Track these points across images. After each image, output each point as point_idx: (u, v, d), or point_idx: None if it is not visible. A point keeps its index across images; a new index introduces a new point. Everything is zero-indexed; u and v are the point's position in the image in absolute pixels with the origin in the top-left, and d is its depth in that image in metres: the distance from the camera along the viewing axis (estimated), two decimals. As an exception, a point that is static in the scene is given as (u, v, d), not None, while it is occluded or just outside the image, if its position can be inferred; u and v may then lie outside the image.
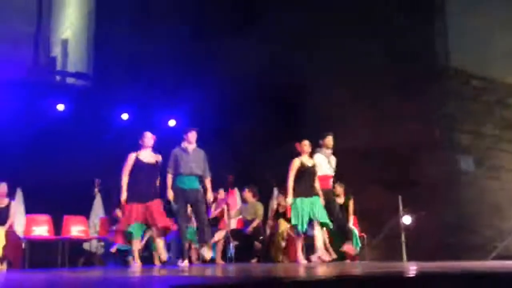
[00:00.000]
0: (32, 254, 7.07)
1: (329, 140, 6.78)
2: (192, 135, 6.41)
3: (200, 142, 7.88)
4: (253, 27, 9.35)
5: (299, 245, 6.51)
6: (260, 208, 8.31)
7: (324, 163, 6.73)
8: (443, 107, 8.09)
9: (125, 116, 9.42)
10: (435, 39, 8.25)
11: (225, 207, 8.27)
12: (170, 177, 6.28)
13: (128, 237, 6.02)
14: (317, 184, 6.57)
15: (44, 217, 7.62)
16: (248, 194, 8.32)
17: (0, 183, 6.94)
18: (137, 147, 6.21)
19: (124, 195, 5.97)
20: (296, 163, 6.48)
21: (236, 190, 8.87)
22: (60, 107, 8.89)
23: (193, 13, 10.06)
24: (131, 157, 6.06)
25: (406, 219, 7.18)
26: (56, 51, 13.01)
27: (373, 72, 8.10)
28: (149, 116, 9.65)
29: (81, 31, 11.92)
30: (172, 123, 9.89)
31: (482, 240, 7.39)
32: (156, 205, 6.03)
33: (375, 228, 7.13)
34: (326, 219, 6.42)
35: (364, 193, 6.95)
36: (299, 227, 6.37)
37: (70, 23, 12.57)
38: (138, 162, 6.04)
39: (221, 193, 8.16)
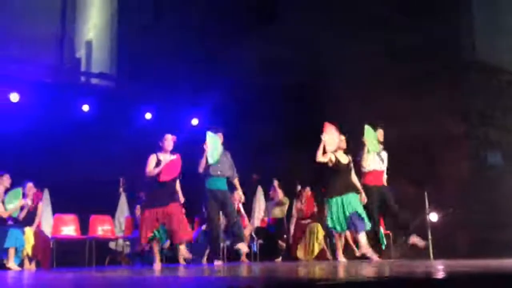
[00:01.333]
0: (60, 253, 7.17)
1: (380, 133, 6.55)
2: (219, 138, 6.43)
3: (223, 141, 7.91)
4: (273, 26, 9.33)
5: (338, 244, 6.39)
6: (283, 203, 8.28)
7: (374, 158, 6.52)
8: (471, 101, 7.93)
9: (148, 116, 9.50)
10: (463, 33, 8.08)
11: (256, 205, 8.32)
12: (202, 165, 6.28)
13: (150, 240, 5.98)
14: (355, 181, 6.38)
15: (71, 217, 7.73)
16: (276, 189, 8.34)
17: (27, 183, 7.03)
18: (158, 148, 6.22)
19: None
20: (331, 158, 6.20)
21: (260, 189, 8.86)
22: (85, 107, 9.00)
23: (214, 13, 10.08)
24: (153, 158, 6.05)
25: (433, 216, 7.05)
26: (81, 53, 13.19)
27: (399, 66, 7.98)
28: (172, 115, 9.72)
29: (104, 32, 12.06)
30: (195, 122, 9.94)
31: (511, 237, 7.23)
32: (177, 211, 5.85)
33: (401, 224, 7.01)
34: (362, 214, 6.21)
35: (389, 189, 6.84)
36: (338, 229, 6.25)
37: (94, 24, 12.74)
38: (158, 164, 5.97)
39: (237, 194, 8.18)
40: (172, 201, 5.87)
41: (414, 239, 6.47)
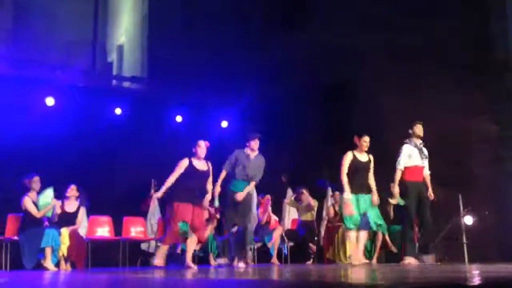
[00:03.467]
0: (94, 254, 7.30)
1: (419, 128, 6.47)
2: (255, 143, 6.48)
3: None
4: (303, 26, 9.29)
5: (354, 244, 6.34)
6: (313, 205, 8.26)
7: (414, 154, 6.44)
8: (504, 102, 7.76)
9: (179, 118, 9.59)
10: (498, 31, 7.93)
11: (287, 208, 8.32)
12: (224, 174, 6.36)
13: (181, 235, 6.09)
14: (371, 182, 6.39)
15: (105, 218, 7.86)
16: (303, 194, 8.34)
17: (70, 185, 7.15)
18: (191, 152, 6.30)
19: (160, 193, 6.08)
20: (348, 157, 6.28)
21: (289, 190, 8.86)
22: (118, 110, 9.14)
23: (243, 14, 10.12)
24: (184, 162, 6.14)
25: (468, 219, 6.92)
26: (112, 57, 13.41)
27: (432, 67, 7.86)
28: (203, 118, 9.80)
29: (135, 36, 12.25)
30: (224, 124, 10.00)
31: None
32: (202, 213, 6.18)
33: (435, 228, 6.91)
34: (378, 220, 6.26)
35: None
36: (352, 227, 6.24)
37: (125, 29, 12.94)
38: (191, 168, 6.12)
39: (267, 197, 8.20)
40: (200, 203, 6.05)
41: (426, 259, 6.39)
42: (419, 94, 7.85)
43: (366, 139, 6.37)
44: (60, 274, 5.62)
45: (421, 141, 6.52)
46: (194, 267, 6.03)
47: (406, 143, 6.53)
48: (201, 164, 6.20)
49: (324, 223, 8.31)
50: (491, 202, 7.24)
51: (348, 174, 6.30)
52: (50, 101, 8.60)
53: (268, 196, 8.24)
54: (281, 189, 8.87)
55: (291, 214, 8.78)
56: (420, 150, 6.50)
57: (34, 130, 8.11)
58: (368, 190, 6.33)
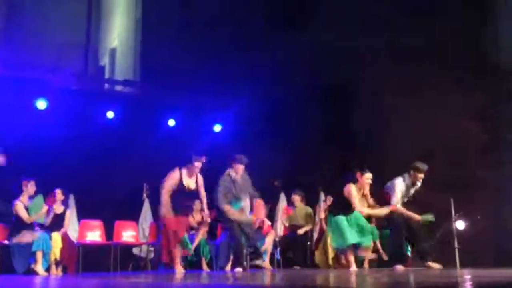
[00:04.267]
0: (85, 259, 7.25)
1: (421, 174, 6.50)
2: (240, 169, 6.55)
3: (247, 147, 7.93)
4: (298, 29, 9.28)
5: (351, 260, 6.48)
6: (311, 212, 8.31)
7: (403, 195, 6.56)
8: (501, 107, 7.79)
9: (172, 122, 9.56)
10: (494, 36, 7.96)
11: (279, 214, 8.34)
12: (227, 207, 6.43)
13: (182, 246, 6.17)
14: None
15: (97, 223, 7.81)
16: (296, 198, 8.35)
17: (55, 190, 7.15)
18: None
19: (164, 210, 6.18)
20: (354, 192, 6.44)
21: (282, 195, 8.85)
22: (110, 114, 9.09)
23: (238, 17, 10.11)
24: (175, 176, 6.23)
25: (460, 224, 6.95)
26: (104, 60, 13.36)
27: (427, 70, 7.88)
28: (196, 122, 9.77)
29: (128, 40, 12.21)
30: (218, 128, 9.98)
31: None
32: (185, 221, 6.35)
33: (427, 233, 6.91)
34: (368, 242, 6.46)
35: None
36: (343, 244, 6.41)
37: (118, 32, 12.90)
38: (180, 184, 6.26)
39: (259, 202, 8.20)
40: (184, 211, 6.23)
41: (431, 264, 6.46)
42: (419, 95, 7.86)
43: (368, 177, 6.54)
44: (51, 279, 5.57)
45: (416, 186, 6.58)
46: (183, 271, 6.07)
47: (403, 178, 6.55)
48: (190, 181, 6.25)
49: (317, 227, 8.29)
50: (487, 206, 7.26)
51: (345, 202, 6.50)
52: (41, 104, 8.55)
53: (260, 201, 8.23)
54: (274, 194, 8.85)
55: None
56: (409, 192, 6.62)
57: (24, 133, 8.05)
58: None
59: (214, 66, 9.91)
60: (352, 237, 6.33)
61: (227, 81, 9.55)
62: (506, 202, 7.44)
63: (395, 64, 8.24)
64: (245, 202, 6.71)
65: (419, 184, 6.60)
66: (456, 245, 6.74)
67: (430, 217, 6.53)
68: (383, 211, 6.57)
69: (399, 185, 6.51)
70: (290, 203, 8.60)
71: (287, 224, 8.48)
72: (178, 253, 6.25)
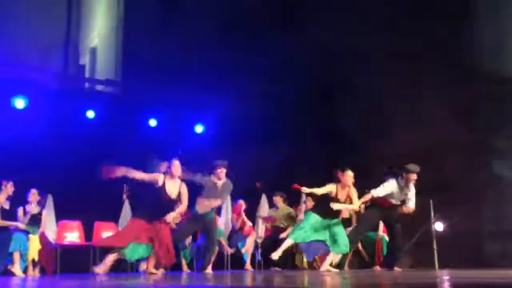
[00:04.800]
0: (64, 260, 7.15)
1: (413, 177, 6.51)
2: (222, 172, 6.50)
3: (228, 149, 7.92)
4: (282, 27, 9.30)
5: (283, 247, 6.54)
6: (292, 213, 8.32)
7: (396, 195, 6.56)
8: (477, 109, 7.91)
9: (153, 122, 9.50)
10: (471, 39, 8.08)
11: (261, 214, 8.34)
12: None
13: (119, 252, 5.91)
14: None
15: (75, 224, 7.72)
16: (278, 199, 8.36)
17: (31, 190, 7.04)
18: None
19: (127, 172, 6.06)
20: (330, 188, 6.42)
21: (264, 197, 8.84)
22: (90, 114, 9.00)
23: (222, 15, 10.08)
24: (160, 179, 6.06)
25: (439, 226, 7.03)
26: (85, 59, 13.22)
27: (410, 72, 7.97)
28: (178, 122, 9.73)
29: (109, 39, 12.09)
30: (199, 129, 9.94)
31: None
32: (165, 231, 6.01)
33: (406, 234, 6.99)
34: (344, 251, 6.49)
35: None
36: (294, 238, 6.48)
37: (99, 31, 12.77)
38: (161, 188, 6.03)
39: (241, 203, 8.20)
40: (160, 220, 5.97)
41: (396, 269, 6.52)
42: (401, 97, 7.95)
43: (349, 174, 6.49)
44: (28, 280, 5.48)
45: (408, 187, 6.58)
46: (158, 273, 6.03)
47: (397, 180, 6.57)
48: (173, 187, 6.09)
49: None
50: (465, 208, 7.36)
51: (320, 197, 6.49)
52: (19, 103, 8.43)
53: (242, 202, 8.23)
54: (255, 195, 8.84)
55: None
56: (401, 195, 6.61)
57: (2, 132, 7.93)
58: (334, 216, 6.52)
59: (197, 65, 9.88)
60: (297, 236, 6.38)
61: (210, 81, 9.53)
62: (484, 204, 7.55)
63: (376, 67, 8.33)
64: (225, 204, 6.73)
65: (412, 186, 6.59)
66: (434, 246, 6.82)
67: (373, 234, 6.57)
68: (354, 206, 6.56)
69: (390, 184, 6.53)
70: (272, 204, 8.60)
71: (269, 226, 8.49)
72: (112, 256, 5.94)
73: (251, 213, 8.54)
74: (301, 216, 8.13)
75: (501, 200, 7.51)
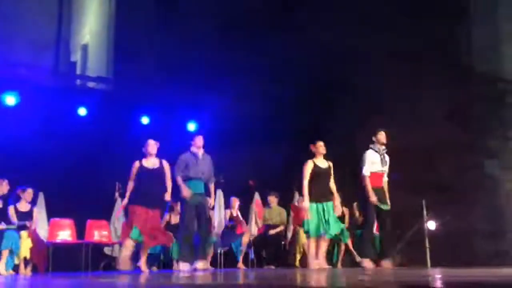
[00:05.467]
0: (56, 258, 7.11)
1: (381, 135, 6.58)
2: (199, 139, 6.59)
3: (222, 146, 7.90)
4: (282, 27, 9.29)
5: (312, 249, 6.43)
6: (284, 213, 8.34)
7: (376, 160, 6.55)
8: (469, 109, 7.95)
9: (145, 120, 9.47)
10: (463, 40, 8.12)
11: (254, 213, 8.34)
12: (180, 179, 6.34)
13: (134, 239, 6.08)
14: (332, 188, 6.53)
15: (67, 222, 7.66)
16: (272, 199, 8.37)
17: (27, 189, 6.99)
18: (142, 154, 6.37)
19: (125, 201, 6.20)
20: (309, 166, 6.42)
21: (257, 195, 8.85)
22: (82, 111, 8.95)
23: (215, 13, 10.05)
24: (135, 165, 6.30)
25: (431, 224, 7.07)
26: (76, 56, 13.13)
27: (404, 74, 8.00)
28: (169, 120, 9.69)
29: (100, 36, 12.02)
30: (192, 126, 9.92)
31: (509, 245, 7.24)
32: (156, 215, 6.23)
33: (398, 232, 7.02)
34: (337, 230, 6.41)
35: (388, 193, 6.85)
36: (311, 233, 6.38)
37: (90, 28, 12.69)
38: (142, 169, 6.26)
39: (234, 199, 8.21)
40: (155, 205, 6.16)
41: (385, 264, 6.50)
42: (394, 97, 7.97)
43: (320, 144, 6.56)
44: (20, 279, 5.44)
45: (384, 148, 6.61)
46: (146, 271, 6.03)
47: (371, 148, 6.63)
48: (151, 163, 6.20)
49: (291, 227, 8.32)
50: (456, 208, 7.41)
51: (310, 182, 6.42)
52: (10, 100, 8.36)
53: (235, 198, 8.23)
54: (248, 193, 8.85)
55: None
56: (382, 157, 6.61)
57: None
58: (329, 198, 6.46)
59: (190, 62, 9.84)
60: (314, 230, 6.35)
61: (202, 78, 9.51)
62: (476, 203, 7.59)
63: (376, 67, 8.35)
64: (208, 186, 6.65)
65: (384, 148, 6.60)
66: (427, 245, 6.85)
67: (385, 206, 6.54)
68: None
69: (368, 155, 6.56)
70: (266, 204, 8.62)
71: (260, 225, 8.49)
72: (144, 252, 6.18)
73: (245, 212, 8.55)
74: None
75: (493, 199, 7.57)
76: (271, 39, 8.88)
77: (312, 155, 6.54)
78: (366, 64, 8.45)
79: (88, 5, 13.04)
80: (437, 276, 4.45)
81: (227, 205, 8.24)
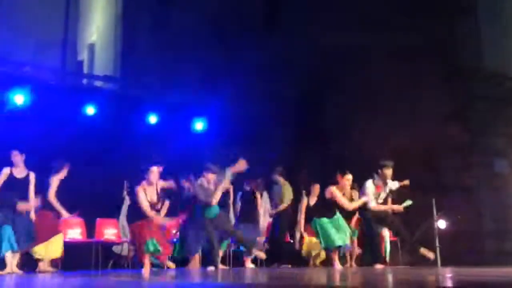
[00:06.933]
0: (66, 256, 7.10)
1: (388, 171, 6.63)
2: (211, 177, 6.84)
3: (228, 145, 7.92)
4: (282, 27, 9.30)
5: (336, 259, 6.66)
6: (287, 190, 8.28)
7: (372, 194, 6.68)
8: (477, 109, 7.96)
9: (153, 119, 9.47)
10: (469, 39, 8.12)
11: (261, 210, 8.33)
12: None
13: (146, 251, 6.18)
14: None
15: (77, 220, 7.67)
16: (278, 177, 8.39)
17: (12, 151, 6.76)
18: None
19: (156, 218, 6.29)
20: (338, 193, 6.64)
21: (265, 194, 8.83)
22: (90, 110, 8.96)
23: (218, 13, 10.06)
24: (141, 193, 6.41)
25: (441, 223, 7.08)
26: (83, 55, 13.16)
27: (406, 72, 8.00)
28: (177, 119, 9.69)
29: (107, 35, 12.04)
30: (199, 126, 9.92)
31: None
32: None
33: (408, 232, 7.02)
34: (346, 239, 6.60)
35: (396, 195, 6.88)
36: (331, 246, 6.58)
37: (97, 27, 12.71)
38: (145, 197, 6.41)
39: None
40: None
41: (423, 251, 6.56)
42: (397, 98, 7.97)
43: (349, 178, 6.72)
44: (35, 278, 5.45)
45: (386, 182, 6.68)
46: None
47: (372, 179, 6.68)
48: (153, 193, 6.41)
49: (299, 227, 8.23)
50: (464, 207, 7.42)
51: (328, 204, 6.77)
52: (19, 99, 8.36)
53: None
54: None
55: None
56: (385, 187, 6.73)
57: (1, 128, 7.87)
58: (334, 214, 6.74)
59: (194, 62, 9.85)
60: (339, 239, 6.53)
61: (209, 77, 9.51)
62: (485, 202, 7.59)
63: (376, 67, 8.35)
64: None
65: (390, 182, 6.66)
66: (437, 244, 6.86)
67: (408, 202, 6.64)
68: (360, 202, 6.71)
69: (369, 187, 6.63)
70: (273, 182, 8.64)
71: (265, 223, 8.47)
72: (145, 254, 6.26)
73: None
74: (301, 215, 8.10)
75: (501, 198, 7.56)
76: (272, 39, 8.90)
77: (335, 182, 6.70)
78: (368, 63, 8.46)
79: (94, 4, 13.06)
80: (447, 275, 4.46)
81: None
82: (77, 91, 9.82)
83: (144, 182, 6.43)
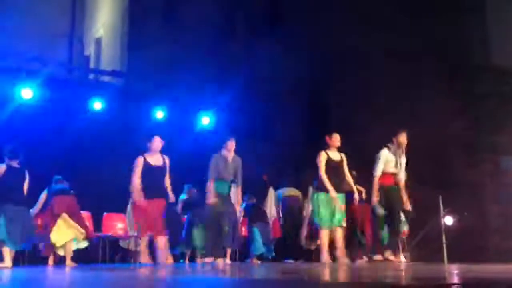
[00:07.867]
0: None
1: (403, 137, 6.51)
2: (231, 144, 6.57)
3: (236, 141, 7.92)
4: (282, 27, 9.30)
5: (324, 241, 6.42)
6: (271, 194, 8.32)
7: (391, 160, 6.51)
8: (484, 106, 7.94)
9: (159, 114, 9.49)
10: (477, 37, 8.09)
11: (268, 206, 8.36)
12: (212, 183, 6.40)
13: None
14: (350, 180, 6.55)
15: (85, 215, 7.70)
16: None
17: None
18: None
19: (137, 195, 6.12)
20: (322, 156, 6.43)
21: (271, 190, 8.86)
22: (97, 105, 8.99)
23: (226, 8, 10.05)
24: (139, 160, 6.19)
25: (448, 220, 7.08)
26: (90, 50, 13.18)
27: (414, 70, 7.99)
28: (183, 113, 9.72)
29: (114, 30, 12.04)
30: (206, 120, 9.94)
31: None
32: (160, 208, 6.12)
33: (415, 228, 7.03)
34: (340, 223, 6.41)
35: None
36: (322, 224, 6.40)
37: (103, 22, 12.72)
38: (146, 165, 6.19)
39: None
40: (158, 197, 6.09)
41: (387, 255, 6.49)
42: (405, 99, 7.96)
43: (336, 136, 6.55)
44: (47, 271, 5.49)
45: (402, 149, 6.56)
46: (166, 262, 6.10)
47: (387, 147, 6.58)
48: (155, 159, 6.18)
49: (306, 222, 8.28)
50: (471, 204, 7.41)
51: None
52: (26, 93, 8.40)
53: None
54: (262, 188, 8.86)
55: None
56: (398, 158, 6.58)
57: (8, 123, 7.91)
58: (342, 189, 6.46)
59: (201, 58, 9.86)
60: (325, 221, 6.36)
61: (217, 72, 9.52)
62: (488, 199, 7.59)
63: (382, 65, 8.34)
64: (233, 189, 6.71)
65: (403, 152, 6.57)
66: (443, 240, 6.85)
67: (381, 211, 6.53)
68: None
69: (383, 154, 6.53)
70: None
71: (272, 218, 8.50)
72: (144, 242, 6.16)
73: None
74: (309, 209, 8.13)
75: (508, 195, 7.55)
76: (274, 39, 8.90)
77: (326, 146, 6.52)
78: (368, 63, 8.45)
79: (101, -1, 13.07)
80: (454, 272, 4.46)
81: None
82: (84, 85, 9.86)
83: (146, 154, 6.23)
